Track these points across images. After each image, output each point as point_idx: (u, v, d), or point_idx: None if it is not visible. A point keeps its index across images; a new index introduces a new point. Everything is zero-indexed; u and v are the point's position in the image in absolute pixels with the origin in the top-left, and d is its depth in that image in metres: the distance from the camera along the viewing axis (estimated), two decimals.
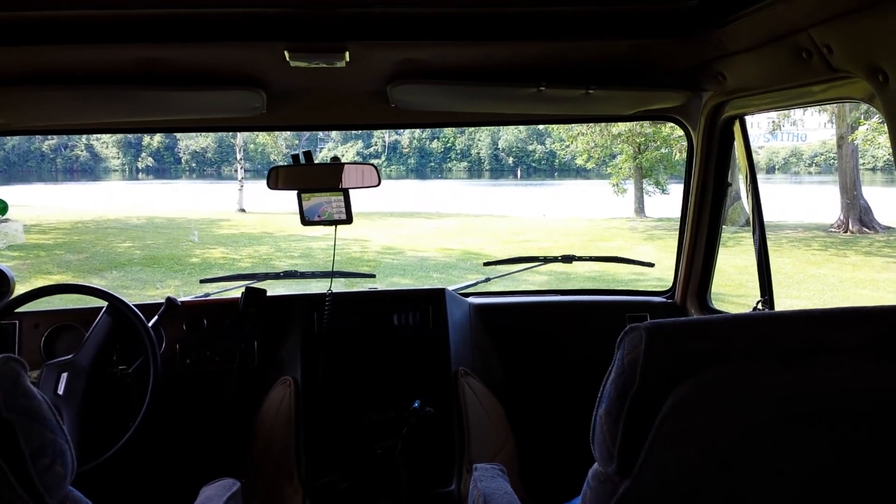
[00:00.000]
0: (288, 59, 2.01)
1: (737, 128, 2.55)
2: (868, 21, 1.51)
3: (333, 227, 2.71)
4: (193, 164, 46.17)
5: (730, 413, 1.03)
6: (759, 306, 2.56)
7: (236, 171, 23.05)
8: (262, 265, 12.54)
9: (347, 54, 2.02)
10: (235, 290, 3.01)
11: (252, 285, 2.88)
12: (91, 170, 44.65)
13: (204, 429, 2.90)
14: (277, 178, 2.68)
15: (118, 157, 45.89)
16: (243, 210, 21.23)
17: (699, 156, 2.71)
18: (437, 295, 2.91)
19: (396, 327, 2.85)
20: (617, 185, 19.73)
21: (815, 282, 10.96)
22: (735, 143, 2.61)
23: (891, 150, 1.60)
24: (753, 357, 1.06)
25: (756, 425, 1.03)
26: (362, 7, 1.83)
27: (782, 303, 9.77)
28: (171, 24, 1.87)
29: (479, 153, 47.06)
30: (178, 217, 19.42)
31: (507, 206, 22.41)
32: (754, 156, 2.63)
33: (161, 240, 15.52)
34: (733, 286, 9.68)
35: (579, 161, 21.15)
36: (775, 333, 1.10)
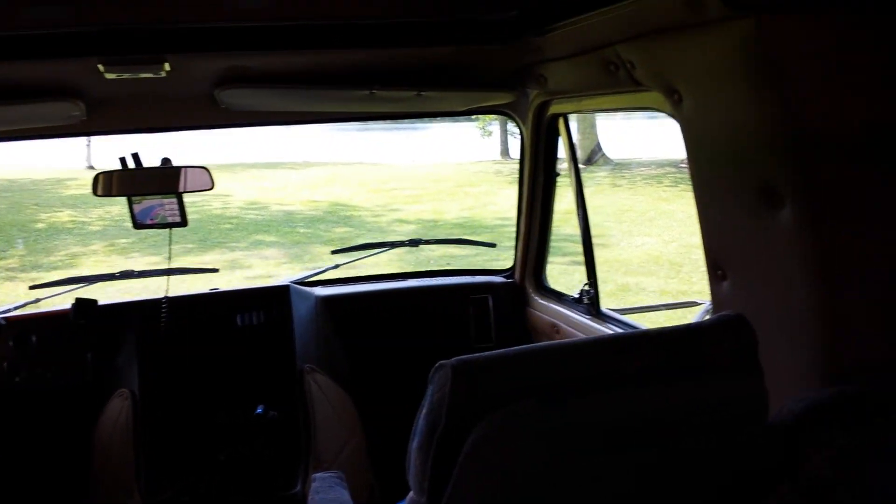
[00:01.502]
0: (102, 71, 1.93)
1: (561, 124, 2.69)
2: (664, 44, 1.61)
3: (168, 230, 2.64)
4: None
5: (530, 445, 1.10)
6: (586, 287, 2.74)
7: None
8: (114, 227, 11.75)
9: (167, 65, 1.95)
10: (70, 295, 2.87)
11: (83, 296, 2.74)
12: None
13: (39, 449, 2.77)
14: (109, 183, 2.54)
15: None
16: (92, 167, 19.76)
17: (530, 148, 2.84)
18: (282, 292, 2.91)
19: (239, 328, 2.82)
20: (483, 127, 19.96)
21: (665, 218, 11.58)
22: (560, 137, 2.74)
23: None
24: (550, 390, 1.13)
25: (555, 456, 1.10)
26: (180, 23, 1.78)
27: (634, 241, 10.37)
28: None
29: None
30: (20, 178, 17.87)
31: (376, 153, 22.12)
32: None
33: (2, 205, 14.30)
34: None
35: None
36: (571, 365, 1.17)
